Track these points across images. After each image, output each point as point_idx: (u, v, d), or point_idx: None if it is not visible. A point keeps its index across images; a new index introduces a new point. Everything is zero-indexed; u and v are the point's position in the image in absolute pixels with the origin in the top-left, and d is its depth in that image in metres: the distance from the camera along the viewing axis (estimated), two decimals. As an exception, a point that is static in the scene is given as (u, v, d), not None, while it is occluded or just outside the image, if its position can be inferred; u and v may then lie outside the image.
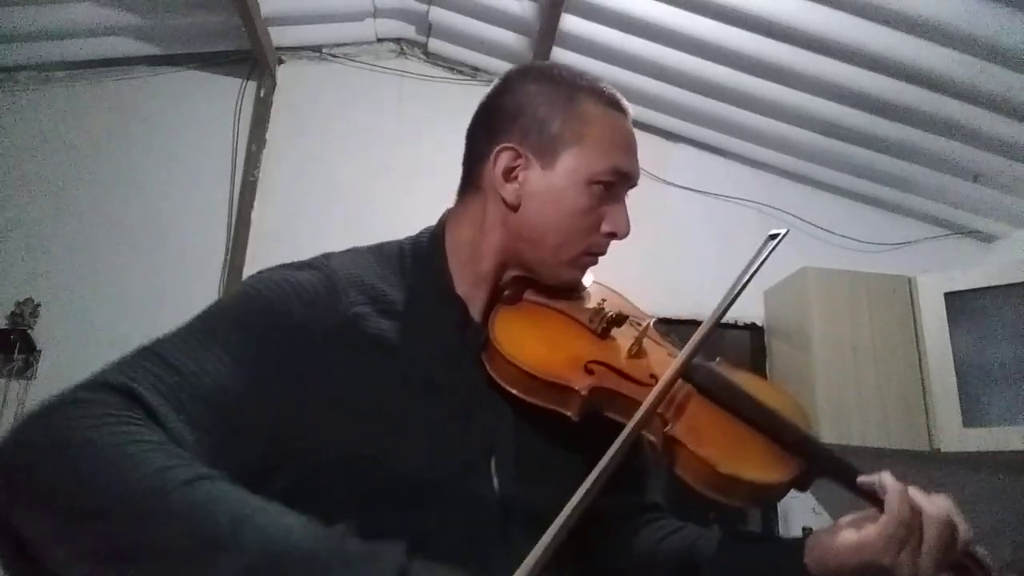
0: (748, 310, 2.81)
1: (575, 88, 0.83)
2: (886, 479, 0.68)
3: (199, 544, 0.49)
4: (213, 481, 0.53)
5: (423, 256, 0.83)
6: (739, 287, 0.80)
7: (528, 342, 0.76)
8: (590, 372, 0.75)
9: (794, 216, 2.94)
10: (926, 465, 2.40)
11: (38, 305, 2.48)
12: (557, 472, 0.70)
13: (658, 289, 2.53)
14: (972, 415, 2.34)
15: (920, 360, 2.46)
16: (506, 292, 0.84)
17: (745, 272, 0.81)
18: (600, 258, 0.85)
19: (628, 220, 0.83)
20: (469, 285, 0.82)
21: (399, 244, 0.86)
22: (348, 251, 0.83)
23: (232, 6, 2.48)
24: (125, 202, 2.66)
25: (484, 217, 0.82)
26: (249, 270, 2.61)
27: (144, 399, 0.58)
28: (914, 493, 0.68)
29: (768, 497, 0.71)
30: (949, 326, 2.44)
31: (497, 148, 0.80)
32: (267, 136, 2.81)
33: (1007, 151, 2.51)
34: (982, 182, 2.70)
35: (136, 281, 2.56)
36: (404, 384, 0.73)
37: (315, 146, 2.84)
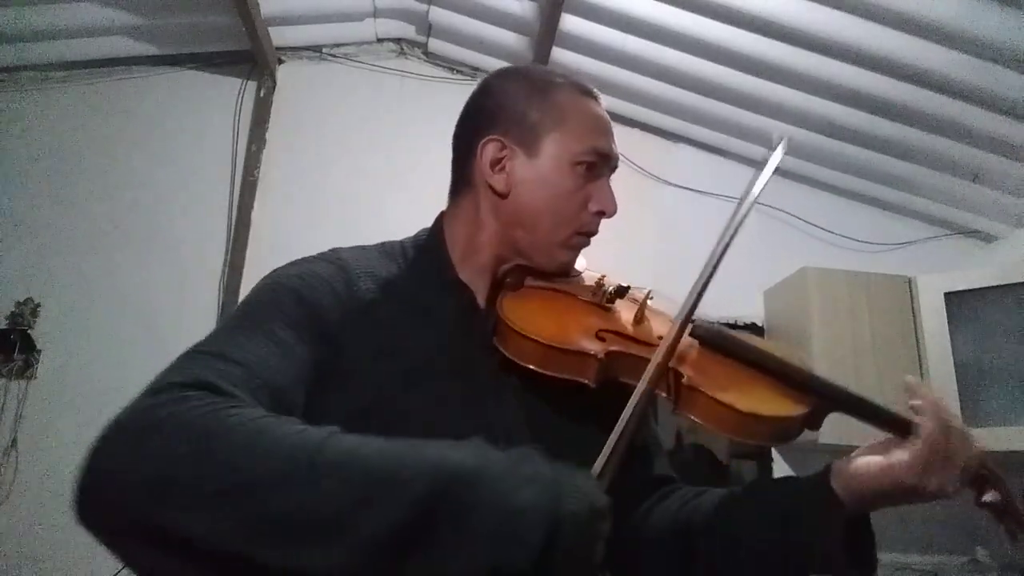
0: (748, 310, 2.81)
1: (548, 81, 0.88)
2: (925, 395, 0.74)
3: (369, 487, 0.50)
4: (345, 435, 0.54)
5: (425, 250, 0.88)
6: (741, 217, 0.79)
7: (539, 318, 0.80)
8: (602, 339, 0.79)
9: (794, 216, 2.94)
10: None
11: (38, 305, 2.48)
12: (574, 449, 0.70)
13: (658, 289, 2.52)
14: (972, 415, 2.34)
15: (920, 360, 2.46)
16: (507, 280, 0.88)
17: (750, 187, 0.83)
18: (588, 255, 0.89)
19: (614, 198, 0.87)
20: (471, 275, 0.86)
21: (400, 242, 0.90)
22: (354, 247, 0.87)
23: (232, 6, 2.48)
24: (125, 202, 2.66)
25: (478, 211, 0.87)
26: (249, 270, 2.61)
27: (224, 389, 0.58)
28: (943, 412, 0.73)
29: (786, 433, 0.76)
30: (949, 326, 2.44)
31: (483, 142, 0.85)
32: (267, 136, 2.81)
33: (1007, 151, 2.51)
34: (982, 182, 2.70)
35: (136, 281, 2.56)
36: (417, 369, 0.76)
37: (315, 146, 2.84)
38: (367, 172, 2.82)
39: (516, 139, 0.85)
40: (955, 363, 2.40)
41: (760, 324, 2.83)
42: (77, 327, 2.48)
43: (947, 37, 2.16)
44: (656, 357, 0.73)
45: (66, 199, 2.63)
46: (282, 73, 2.91)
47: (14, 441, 2.31)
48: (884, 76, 2.37)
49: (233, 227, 2.67)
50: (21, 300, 2.47)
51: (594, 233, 0.88)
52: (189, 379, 0.58)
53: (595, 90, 0.90)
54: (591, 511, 0.53)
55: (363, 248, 0.88)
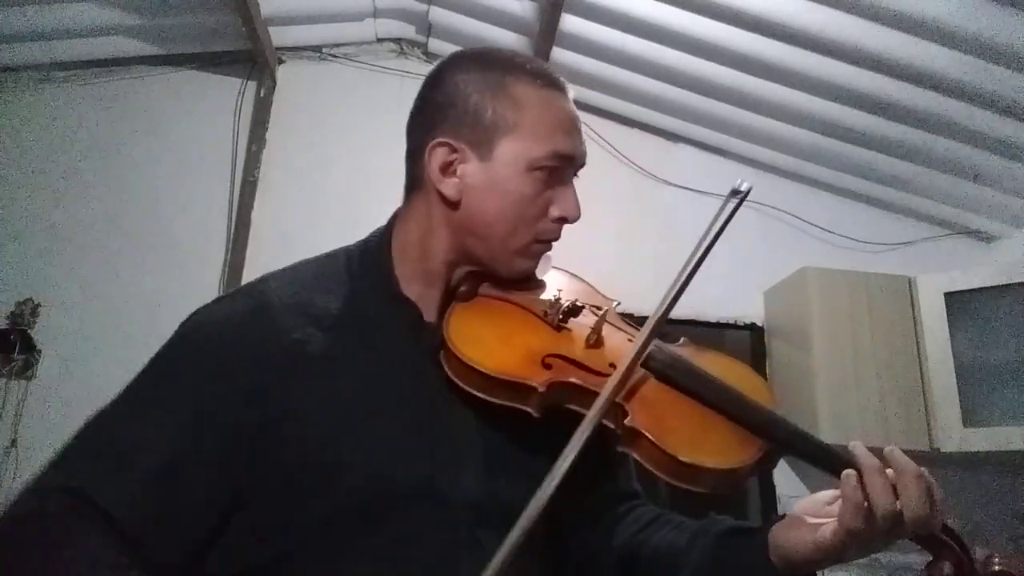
0: (748, 310, 2.81)
1: (506, 71, 0.79)
2: (857, 450, 0.66)
3: None
4: None
5: (370, 260, 0.82)
6: (696, 260, 0.79)
7: (483, 340, 0.75)
8: (547, 367, 0.74)
9: (794, 216, 2.94)
10: (926, 465, 2.36)
11: (38, 305, 2.48)
12: (526, 469, 0.69)
13: (658, 289, 2.51)
14: (972, 415, 2.34)
15: (920, 360, 2.46)
16: (461, 288, 0.82)
17: (704, 238, 0.80)
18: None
19: (577, 202, 0.80)
20: (421, 285, 0.80)
21: (346, 251, 0.84)
22: (287, 269, 0.82)
23: (232, 6, 2.48)
24: (125, 202, 2.66)
25: (429, 215, 0.80)
26: (249, 270, 2.61)
27: (95, 501, 0.64)
28: (871, 466, 0.65)
29: (732, 482, 0.71)
30: (949, 326, 2.44)
31: (431, 144, 0.78)
32: (267, 136, 2.81)
33: (1007, 151, 2.51)
34: (982, 182, 2.70)
35: (136, 281, 2.56)
36: (361, 398, 0.72)
37: (315, 146, 2.84)
38: (367, 172, 2.82)
39: (468, 140, 0.77)
40: (955, 363, 2.40)
41: (760, 324, 2.83)
42: (77, 327, 2.48)
43: (947, 37, 2.16)
44: (604, 393, 0.68)
45: (66, 199, 2.63)
46: (282, 73, 2.91)
47: (14, 441, 2.31)
48: (884, 76, 2.37)
49: (233, 227, 2.67)
50: (21, 300, 2.47)
51: (556, 239, 0.81)
52: (69, 486, 0.65)
53: (561, 79, 0.81)
54: None
55: (298, 268, 0.82)
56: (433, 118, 0.80)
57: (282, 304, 0.75)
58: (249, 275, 2.59)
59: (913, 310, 2.52)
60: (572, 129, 0.79)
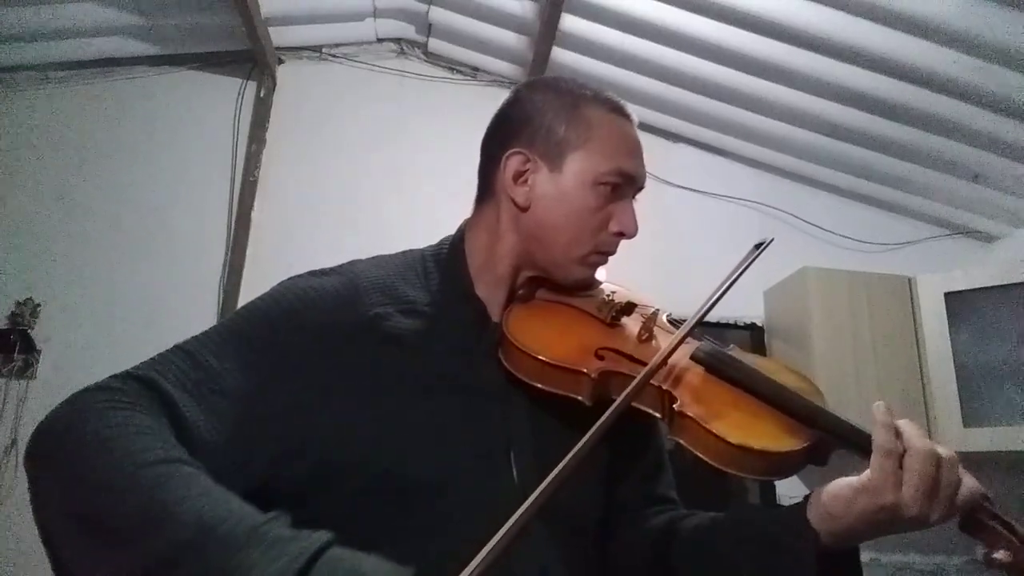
0: (748, 310, 2.81)
1: (579, 96, 0.87)
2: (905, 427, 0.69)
3: (149, 517, 0.55)
4: (180, 465, 0.60)
5: (444, 262, 0.88)
6: (717, 297, 0.84)
7: (540, 333, 0.80)
8: (600, 358, 0.79)
9: (794, 216, 2.94)
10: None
11: (38, 305, 2.48)
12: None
13: (658, 289, 2.50)
14: (972, 415, 2.34)
15: (920, 360, 2.46)
16: (520, 292, 0.89)
17: (727, 280, 0.86)
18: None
19: (635, 220, 0.87)
20: (488, 287, 0.86)
21: (421, 252, 0.91)
22: (373, 258, 0.89)
23: (232, 6, 2.48)
24: (125, 202, 2.66)
25: (498, 222, 0.87)
26: (249, 270, 2.61)
27: (164, 390, 0.66)
28: (907, 427, 0.69)
29: (783, 468, 0.72)
30: (949, 326, 2.44)
31: (507, 154, 0.85)
32: (267, 136, 2.81)
33: (1007, 151, 2.51)
34: (982, 182, 2.70)
35: (136, 281, 2.56)
36: (423, 380, 0.77)
37: (315, 146, 2.84)
38: (367, 172, 2.82)
39: (541, 153, 0.84)
40: (955, 363, 2.40)
41: (760, 324, 2.83)
42: (77, 327, 2.48)
43: (947, 37, 2.16)
44: (641, 375, 0.72)
45: (66, 199, 2.63)
46: (282, 73, 2.91)
47: (14, 441, 2.31)
48: (884, 76, 2.37)
49: (233, 227, 2.67)
50: (21, 300, 2.47)
51: (612, 253, 0.88)
52: (142, 374, 0.67)
53: (628, 109, 0.89)
54: None
55: (382, 258, 0.88)
56: (510, 132, 0.87)
57: (369, 283, 0.82)
58: (249, 275, 2.59)
59: (913, 310, 2.52)
60: (635, 152, 0.87)
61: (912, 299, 2.53)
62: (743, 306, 2.79)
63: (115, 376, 0.67)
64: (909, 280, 2.55)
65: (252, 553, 0.52)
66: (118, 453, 0.59)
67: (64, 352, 2.45)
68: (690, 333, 0.79)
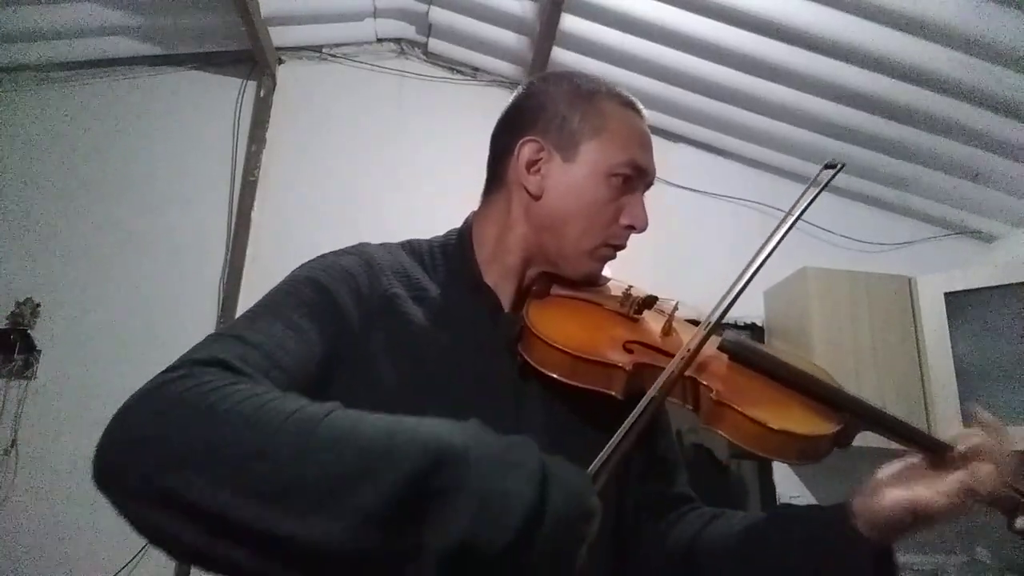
0: (748, 310, 2.81)
1: (594, 89, 0.87)
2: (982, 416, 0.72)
3: (362, 462, 0.50)
4: (345, 411, 0.55)
5: (452, 252, 0.87)
6: (788, 226, 0.82)
7: (567, 328, 0.78)
8: (629, 351, 0.77)
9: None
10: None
11: (38, 305, 2.48)
12: (588, 461, 0.70)
13: (658, 289, 2.51)
14: (972, 415, 2.34)
15: (920, 360, 2.46)
16: (534, 288, 0.87)
17: (793, 209, 0.85)
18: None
19: (645, 214, 0.85)
20: (497, 279, 0.85)
21: (428, 242, 0.89)
22: (381, 244, 0.87)
23: (232, 6, 2.48)
24: (125, 202, 2.66)
25: (509, 211, 0.86)
26: (249, 270, 2.61)
27: (237, 367, 0.61)
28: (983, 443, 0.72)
29: (816, 451, 0.73)
30: (949, 326, 2.44)
31: (521, 141, 0.85)
32: (267, 136, 2.81)
33: (1007, 151, 2.51)
34: (982, 182, 2.70)
35: (136, 281, 2.56)
36: (431, 369, 0.76)
37: (315, 146, 2.84)
38: (367, 172, 2.82)
39: (554, 142, 0.84)
40: (955, 363, 2.40)
41: (760, 324, 2.83)
42: (77, 327, 2.47)
43: (947, 37, 2.16)
44: (671, 365, 0.71)
45: (66, 199, 2.63)
46: (282, 73, 2.91)
47: (14, 441, 2.31)
48: (884, 76, 2.37)
49: (233, 227, 2.67)
50: (21, 300, 2.47)
51: (622, 247, 0.87)
52: (205, 357, 0.60)
53: (639, 104, 0.89)
54: (578, 509, 0.51)
55: (390, 245, 0.87)
56: (523, 121, 0.86)
57: (384, 263, 0.81)
58: (249, 275, 2.59)
59: (913, 310, 2.52)
60: (647, 146, 0.86)
61: (912, 299, 2.53)
62: (743, 306, 2.77)
63: (174, 367, 0.59)
64: (909, 280, 2.55)
65: (488, 466, 0.50)
66: (276, 420, 0.53)
67: (64, 352, 2.45)
68: (723, 317, 0.77)
